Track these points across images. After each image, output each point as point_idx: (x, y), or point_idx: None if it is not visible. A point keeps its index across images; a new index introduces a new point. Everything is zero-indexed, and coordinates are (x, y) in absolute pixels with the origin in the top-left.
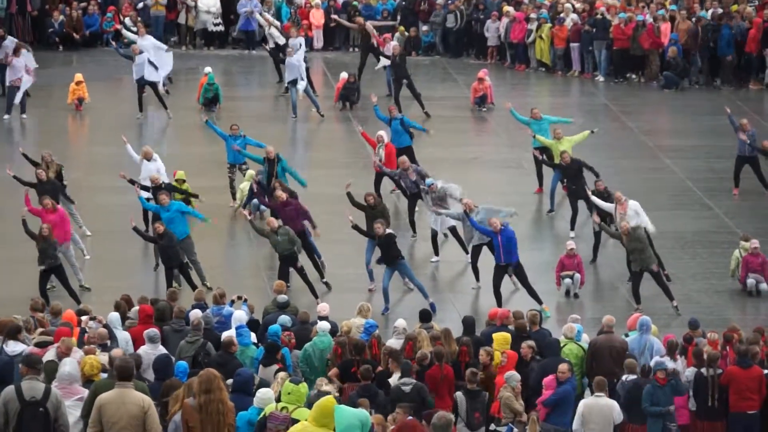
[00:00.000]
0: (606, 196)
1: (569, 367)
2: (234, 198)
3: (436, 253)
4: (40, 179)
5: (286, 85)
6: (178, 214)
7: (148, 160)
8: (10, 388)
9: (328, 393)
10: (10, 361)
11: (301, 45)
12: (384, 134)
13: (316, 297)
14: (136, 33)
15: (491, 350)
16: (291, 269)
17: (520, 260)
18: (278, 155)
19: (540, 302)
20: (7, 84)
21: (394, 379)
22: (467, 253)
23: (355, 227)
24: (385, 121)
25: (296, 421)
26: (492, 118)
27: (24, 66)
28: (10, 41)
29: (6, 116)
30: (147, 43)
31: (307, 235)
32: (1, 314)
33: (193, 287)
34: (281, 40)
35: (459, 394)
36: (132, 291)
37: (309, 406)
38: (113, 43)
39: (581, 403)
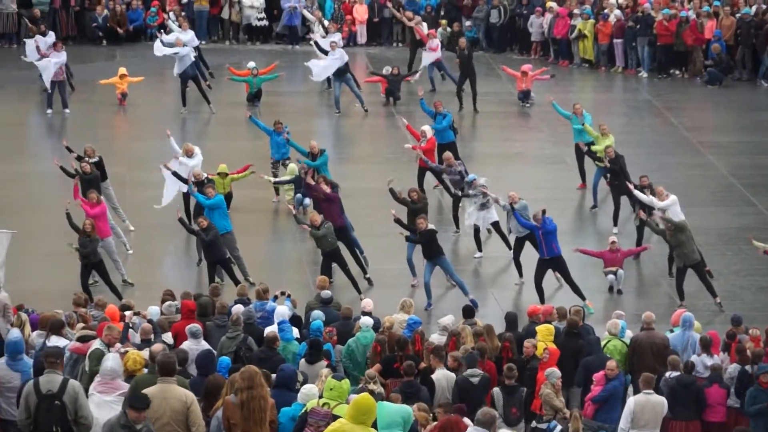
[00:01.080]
0: (650, 192)
1: (617, 364)
2: (277, 193)
3: (479, 249)
4: (85, 172)
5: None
6: (220, 207)
7: (189, 156)
8: (30, 382)
9: (372, 391)
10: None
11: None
12: (428, 129)
13: (359, 292)
14: (179, 27)
15: (535, 341)
16: (334, 264)
17: (562, 255)
18: (322, 150)
19: (583, 298)
20: (50, 80)
21: (436, 375)
22: (510, 248)
23: (398, 221)
24: (431, 114)
25: (337, 417)
26: (535, 114)
27: (58, 62)
28: (51, 37)
29: (49, 111)
30: (188, 38)
31: (349, 230)
32: (44, 308)
33: (236, 282)
34: (320, 37)
35: (496, 390)
36: (174, 286)
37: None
38: (162, 33)
39: (631, 400)
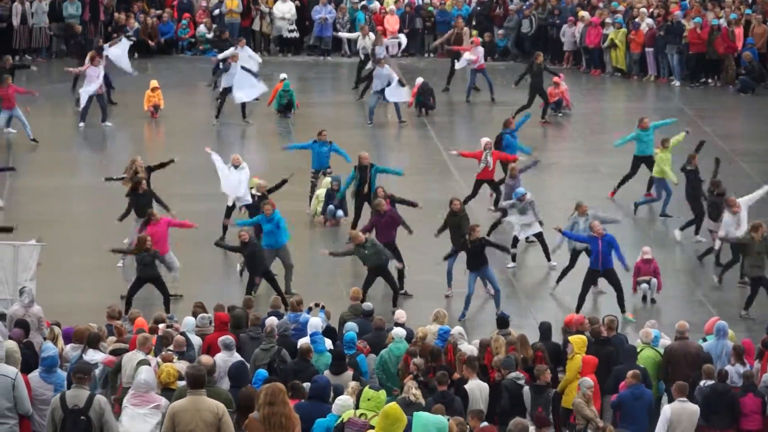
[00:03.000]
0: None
1: (636, 374)
2: (310, 202)
3: (513, 260)
4: (141, 190)
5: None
6: (278, 224)
7: (236, 167)
8: (57, 397)
9: (413, 401)
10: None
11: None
12: (489, 140)
13: (395, 305)
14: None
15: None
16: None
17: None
18: (373, 164)
19: (624, 310)
20: (93, 93)
21: (470, 386)
22: (549, 260)
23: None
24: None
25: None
26: (568, 123)
27: (99, 74)
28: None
29: (105, 123)
30: (243, 54)
31: (396, 245)
32: (77, 322)
33: (279, 293)
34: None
35: (526, 389)
36: (206, 298)
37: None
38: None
39: (667, 408)
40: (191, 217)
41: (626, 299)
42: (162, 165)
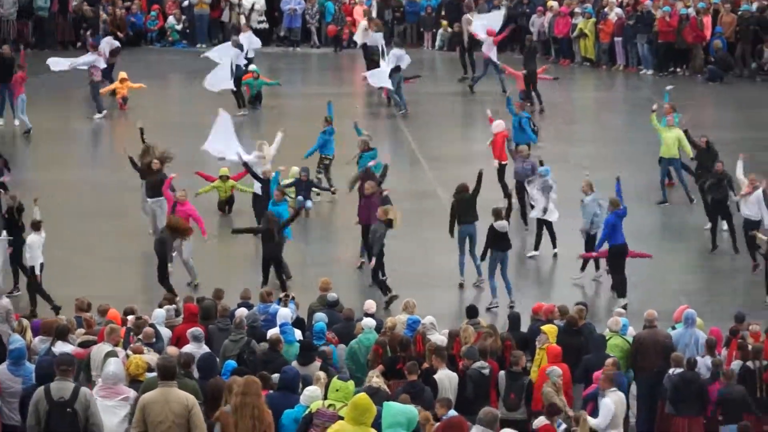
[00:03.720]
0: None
1: (616, 362)
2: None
3: (536, 248)
4: (155, 169)
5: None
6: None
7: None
8: (40, 389)
9: (378, 387)
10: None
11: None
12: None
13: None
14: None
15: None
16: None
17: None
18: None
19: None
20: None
21: (439, 376)
22: (555, 247)
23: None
24: (513, 114)
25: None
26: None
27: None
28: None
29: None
30: (245, 39)
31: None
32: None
33: (283, 283)
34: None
35: (501, 373)
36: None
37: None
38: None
39: (608, 401)
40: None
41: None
42: (143, 140)
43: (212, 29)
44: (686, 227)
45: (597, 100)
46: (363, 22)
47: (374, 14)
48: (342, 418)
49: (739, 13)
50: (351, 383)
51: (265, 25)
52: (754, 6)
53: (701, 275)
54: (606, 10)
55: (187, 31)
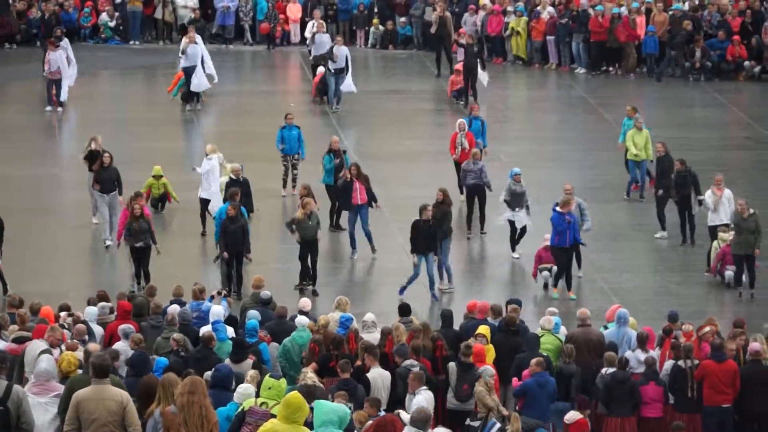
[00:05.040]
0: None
1: (540, 362)
2: (284, 186)
3: (513, 249)
4: (106, 165)
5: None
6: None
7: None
8: None
9: (312, 385)
10: None
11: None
12: (464, 120)
13: (314, 284)
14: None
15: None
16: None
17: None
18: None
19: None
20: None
21: (371, 374)
22: (513, 251)
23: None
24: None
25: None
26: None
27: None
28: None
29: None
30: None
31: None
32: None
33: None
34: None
35: (452, 365)
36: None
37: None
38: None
39: (420, 398)
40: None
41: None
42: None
43: (145, 26)
44: (621, 227)
45: (530, 99)
46: (312, 24)
47: (305, 12)
48: (275, 416)
49: (670, 12)
50: (283, 381)
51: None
52: (686, 5)
53: (634, 275)
54: (539, 9)
55: (121, 27)
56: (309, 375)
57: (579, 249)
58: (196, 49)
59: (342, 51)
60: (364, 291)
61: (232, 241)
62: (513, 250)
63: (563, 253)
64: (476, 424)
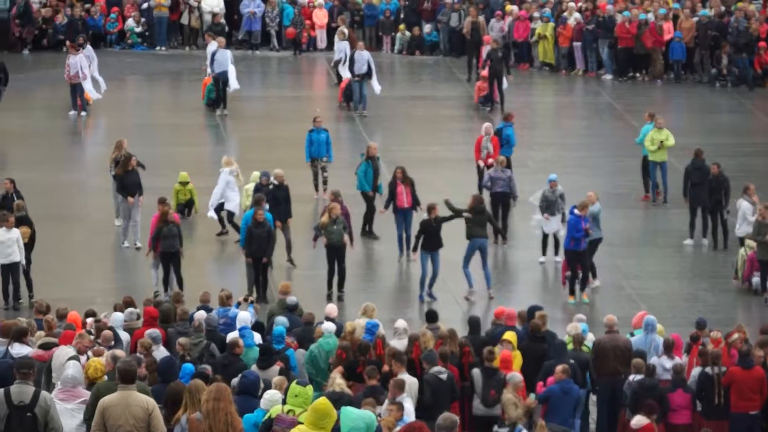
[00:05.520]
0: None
1: (566, 368)
2: (317, 189)
3: (544, 253)
4: (130, 169)
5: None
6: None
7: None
8: (0, 392)
9: (341, 392)
10: (12, 363)
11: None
12: (489, 124)
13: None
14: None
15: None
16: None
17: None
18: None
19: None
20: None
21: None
22: (544, 254)
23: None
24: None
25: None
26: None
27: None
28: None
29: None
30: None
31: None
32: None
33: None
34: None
35: (476, 371)
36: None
37: None
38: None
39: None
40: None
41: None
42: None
43: (171, 32)
44: (648, 233)
45: (557, 105)
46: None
47: (331, 18)
48: (302, 424)
49: (697, 18)
50: (309, 388)
51: (225, 28)
52: (712, 11)
53: (661, 281)
54: (565, 14)
55: (146, 33)
56: (338, 381)
57: (590, 255)
58: (225, 54)
59: (363, 56)
60: (395, 297)
61: (258, 247)
62: (543, 253)
63: (576, 256)
64: (504, 430)
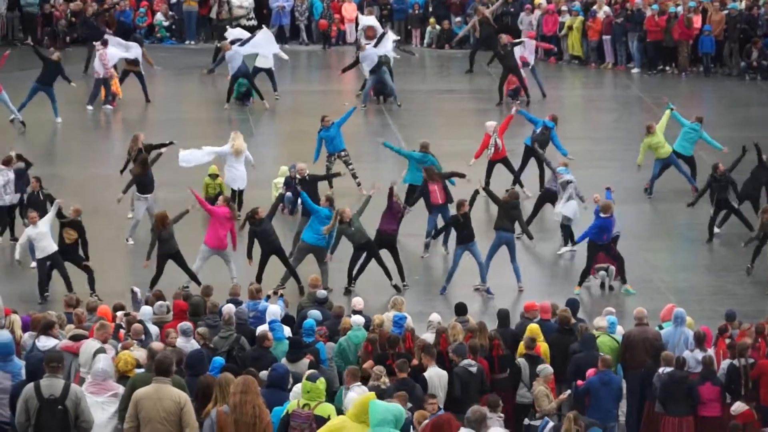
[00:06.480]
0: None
1: (606, 360)
2: (330, 186)
3: (565, 243)
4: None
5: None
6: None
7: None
8: (30, 386)
9: (384, 389)
10: (42, 356)
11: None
12: (495, 123)
13: (353, 282)
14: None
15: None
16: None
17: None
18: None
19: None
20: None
21: (428, 373)
22: (565, 245)
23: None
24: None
25: (319, 417)
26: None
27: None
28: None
29: (108, 107)
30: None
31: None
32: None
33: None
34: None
35: (522, 361)
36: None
37: (330, 400)
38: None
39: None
40: (170, 206)
41: (589, 285)
42: (161, 145)
43: (200, 26)
44: (676, 226)
45: (586, 98)
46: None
47: (361, 12)
48: (318, 417)
49: (726, 11)
50: (321, 381)
51: (254, 23)
52: (743, 4)
53: (690, 274)
54: (595, 8)
55: (174, 27)
56: (383, 380)
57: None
58: (236, 54)
59: (369, 53)
60: (423, 291)
61: (264, 242)
62: (565, 243)
63: (600, 249)
64: (537, 423)
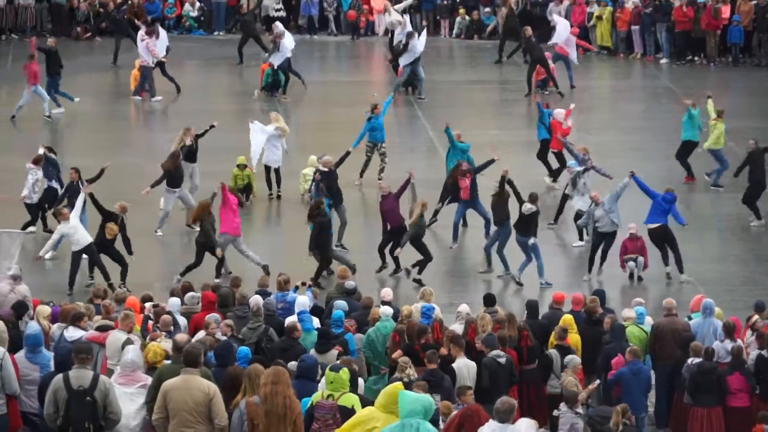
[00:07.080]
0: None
1: (635, 350)
2: (361, 175)
3: (580, 238)
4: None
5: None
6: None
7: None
8: (59, 377)
9: (409, 381)
10: (70, 348)
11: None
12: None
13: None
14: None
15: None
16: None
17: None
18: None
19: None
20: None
21: (457, 364)
22: (581, 239)
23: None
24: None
25: (343, 407)
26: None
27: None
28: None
29: (155, 98)
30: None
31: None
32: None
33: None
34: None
35: (553, 351)
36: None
37: (353, 390)
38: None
39: None
40: (202, 195)
41: (618, 276)
42: (205, 132)
43: (229, 17)
44: (706, 216)
45: (614, 89)
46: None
47: (392, 2)
48: (342, 407)
49: (755, 1)
50: (344, 371)
51: (283, 13)
52: None
53: (719, 264)
54: None
55: (203, 18)
56: (408, 371)
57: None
58: (284, 44)
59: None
60: (456, 282)
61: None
62: (580, 237)
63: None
64: (569, 414)
